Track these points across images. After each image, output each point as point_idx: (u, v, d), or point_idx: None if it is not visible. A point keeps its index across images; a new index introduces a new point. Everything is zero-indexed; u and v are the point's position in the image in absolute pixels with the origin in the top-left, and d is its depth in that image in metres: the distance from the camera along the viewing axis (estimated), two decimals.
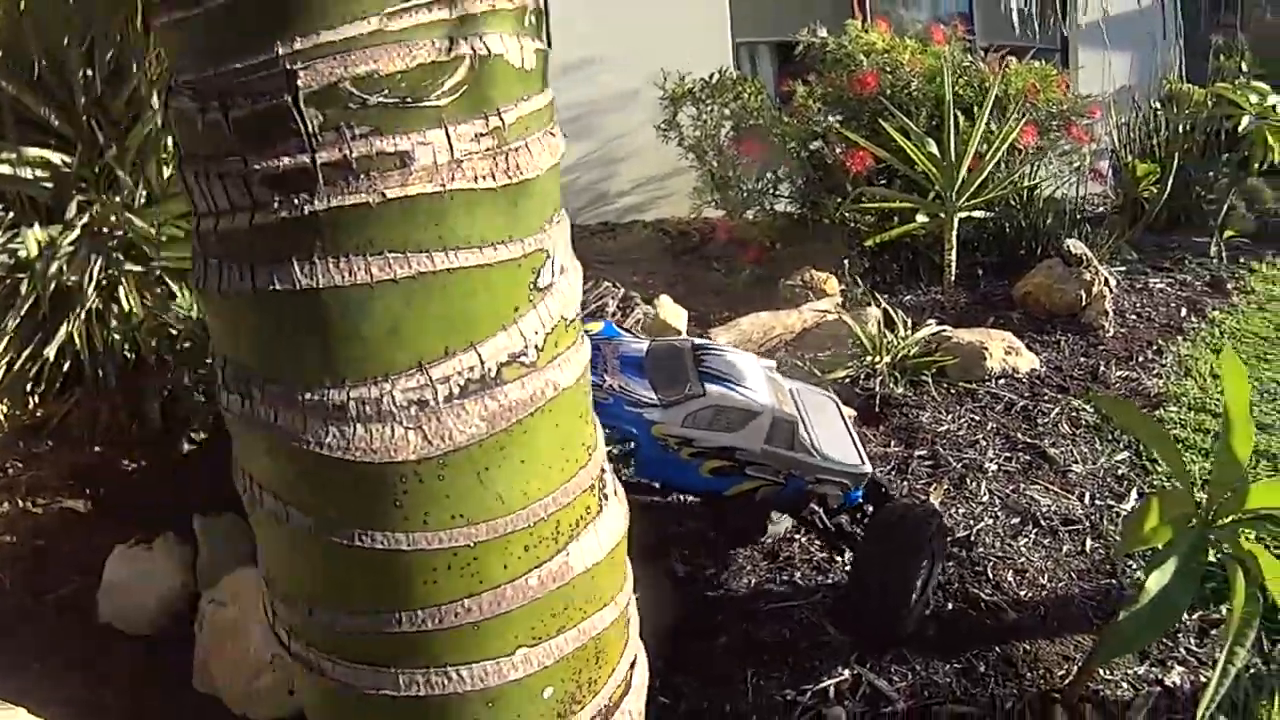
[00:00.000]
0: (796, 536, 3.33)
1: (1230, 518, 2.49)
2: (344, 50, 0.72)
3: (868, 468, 2.99)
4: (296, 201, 0.75)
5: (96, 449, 3.91)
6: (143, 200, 3.83)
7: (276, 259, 0.77)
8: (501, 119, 0.81)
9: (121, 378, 3.88)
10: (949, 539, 3.16)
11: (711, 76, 5.83)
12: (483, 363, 0.84)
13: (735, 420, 2.77)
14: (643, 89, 6.28)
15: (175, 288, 3.99)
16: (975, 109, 5.09)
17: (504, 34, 0.80)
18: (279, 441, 0.85)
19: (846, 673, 2.71)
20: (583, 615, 0.90)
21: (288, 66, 0.73)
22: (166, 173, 3.88)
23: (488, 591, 0.87)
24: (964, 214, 5.05)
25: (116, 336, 3.81)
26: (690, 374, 2.83)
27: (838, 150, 5.37)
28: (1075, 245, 5.01)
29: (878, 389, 4.30)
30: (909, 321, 4.64)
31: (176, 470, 3.66)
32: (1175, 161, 5.52)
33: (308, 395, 0.81)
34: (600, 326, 3.14)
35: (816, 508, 3.02)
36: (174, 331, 3.81)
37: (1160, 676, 2.77)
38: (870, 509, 3.06)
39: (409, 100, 0.74)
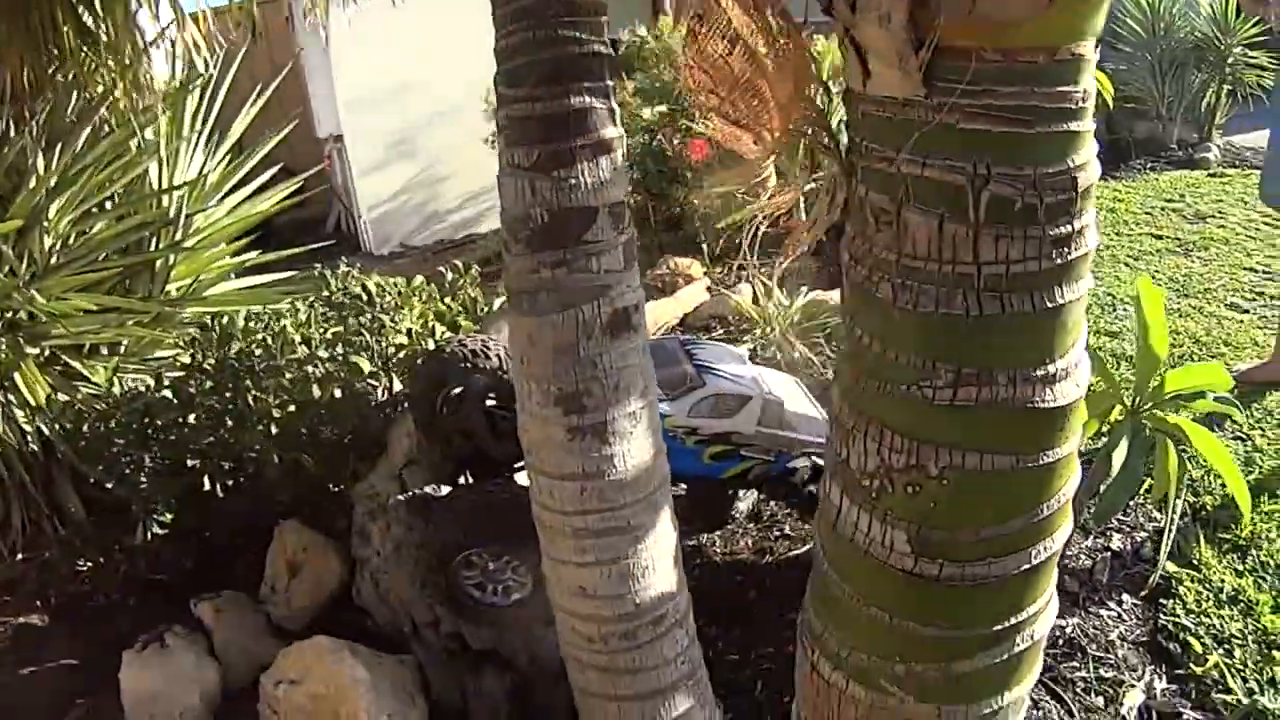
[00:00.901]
0: (764, 507, 3.60)
1: (1152, 403, 3.04)
2: (1086, 164, 1.15)
3: None
4: (1067, 252, 1.16)
5: (20, 556, 3.54)
6: (27, 275, 3.50)
7: (1047, 288, 1.17)
8: None
9: (29, 471, 3.54)
10: None
11: None
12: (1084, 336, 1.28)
13: (732, 406, 2.98)
14: (457, 107, 6.31)
15: (78, 366, 3.67)
16: None
17: None
18: (1007, 408, 1.20)
19: None
20: None
21: (1074, 175, 1.13)
22: (48, 242, 3.56)
23: (1071, 475, 1.30)
24: (809, 186, 5.49)
25: (27, 428, 3.47)
26: (687, 367, 3.02)
27: (675, 141, 5.68)
28: None
29: (779, 356, 4.64)
30: (781, 292, 5.01)
31: (132, 558, 3.39)
32: None
33: (1037, 371, 1.19)
34: None
35: (791, 480, 3.26)
36: (83, 412, 3.51)
37: (1106, 544, 3.29)
38: None
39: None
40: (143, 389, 3.46)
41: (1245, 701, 2.57)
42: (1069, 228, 1.14)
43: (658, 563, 2.21)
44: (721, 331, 4.96)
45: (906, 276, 1.19)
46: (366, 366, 3.05)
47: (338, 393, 3.18)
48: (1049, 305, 1.16)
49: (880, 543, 1.29)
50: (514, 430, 2.85)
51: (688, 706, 2.36)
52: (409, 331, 3.17)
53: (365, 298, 3.20)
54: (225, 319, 3.33)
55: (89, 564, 3.39)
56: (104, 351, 3.83)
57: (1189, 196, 6.32)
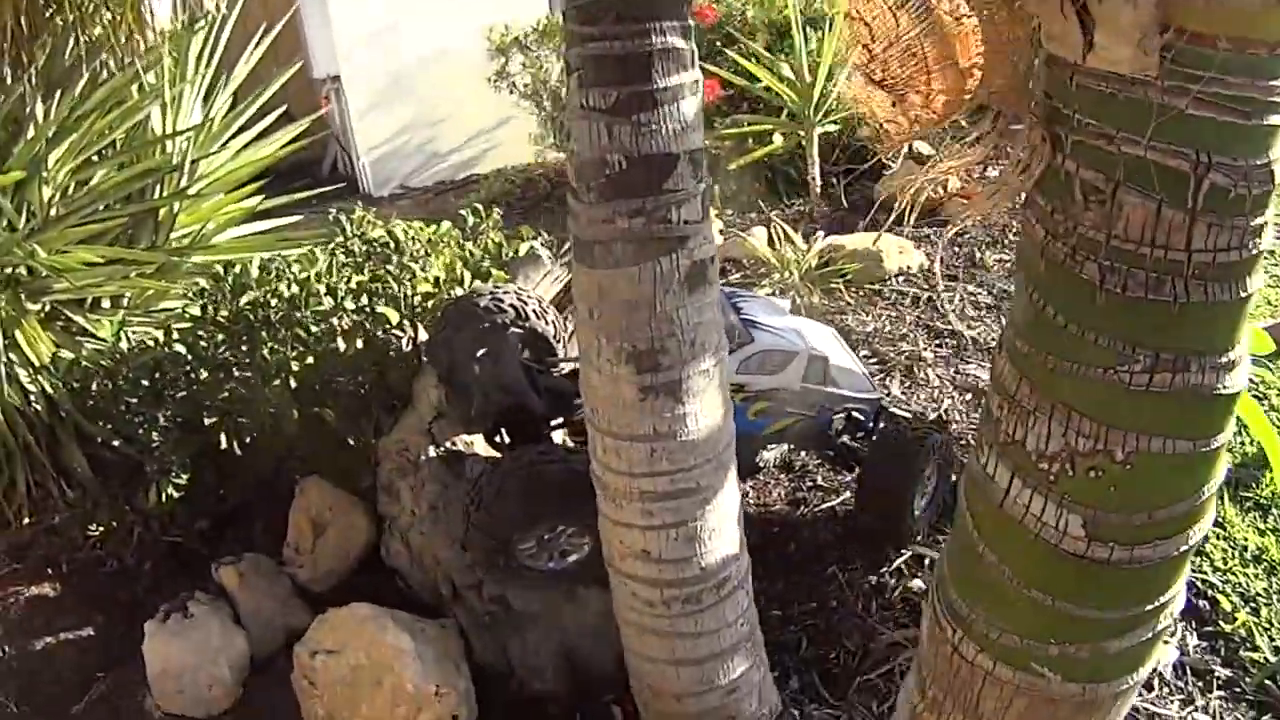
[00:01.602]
0: (794, 457, 3.52)
1: None
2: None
3: (879, 394, 3.19)
4: (1259, 243, 1.18)
5: (27, 520, 3.41)
6: (27, 230, 3.32)
7: (1240, 278, 1.19)
8: None
9: (33, 432, 3.39)
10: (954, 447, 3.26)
11: (539, 24, 5.79)
12: None
13: (779, 362, 2.86)
14: (458, 46, 6.13)
15: (81, 320, 3.51)
16: (807, 28, 5.38)
17: None
18: (1196, 394, 1.22)
19: (907, 553, 3.00)
20: None
21: (1272, 168, 1.13)
22: (47, 194, 3.37)
23: (1224, 460, 1.33)
24: (822, 128, 5.36)
25: (30, 388, 3.32)
26: (734, 321, 2.90)
27: None
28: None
29: (798, 301, 4.54)
30: (797, 236, 4.90)
31: (145, 520, 3.26)
32: None
33: (1222, 358, 1.21)
34: None
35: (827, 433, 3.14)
36: (89, 369, 3.36)
37: None
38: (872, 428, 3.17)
39: None
40: (150, 343, 3.32)
41: (1272, 660, 2.57)
42: (1262, 219, 1.16)
43: (723, 525, 2.14)
44: (738, 275, 4.84)
45: (1116, 259, 1.19)
46: (394, 317, 2.90)
47: (360, 344, 3.04)
48: (1241, 295, 1.19)
49: (1054, 526, 1.29)
50: (554, 386, 2.75)
51: (745, 668, 2.31)
52: (436, 280, 3.02)
53: (392, 244, 3.04)
54: (238, 268, 3.17)
55: (99, 528, 3.25)
56: (106, 305, 3.67)
57: None
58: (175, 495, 3.15)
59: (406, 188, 6.46)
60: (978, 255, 4.99)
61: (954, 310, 4.50)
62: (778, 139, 5.49)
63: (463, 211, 3.45)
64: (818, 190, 5.34)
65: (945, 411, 3.79)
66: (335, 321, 2.87)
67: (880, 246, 4.80)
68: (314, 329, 2.87)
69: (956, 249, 5.10)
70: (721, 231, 5.36)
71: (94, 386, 3.24)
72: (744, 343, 2.78)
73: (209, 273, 3.44)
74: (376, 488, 3.09)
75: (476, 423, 2.75)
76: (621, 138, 1.78)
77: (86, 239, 3.41)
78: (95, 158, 3.51)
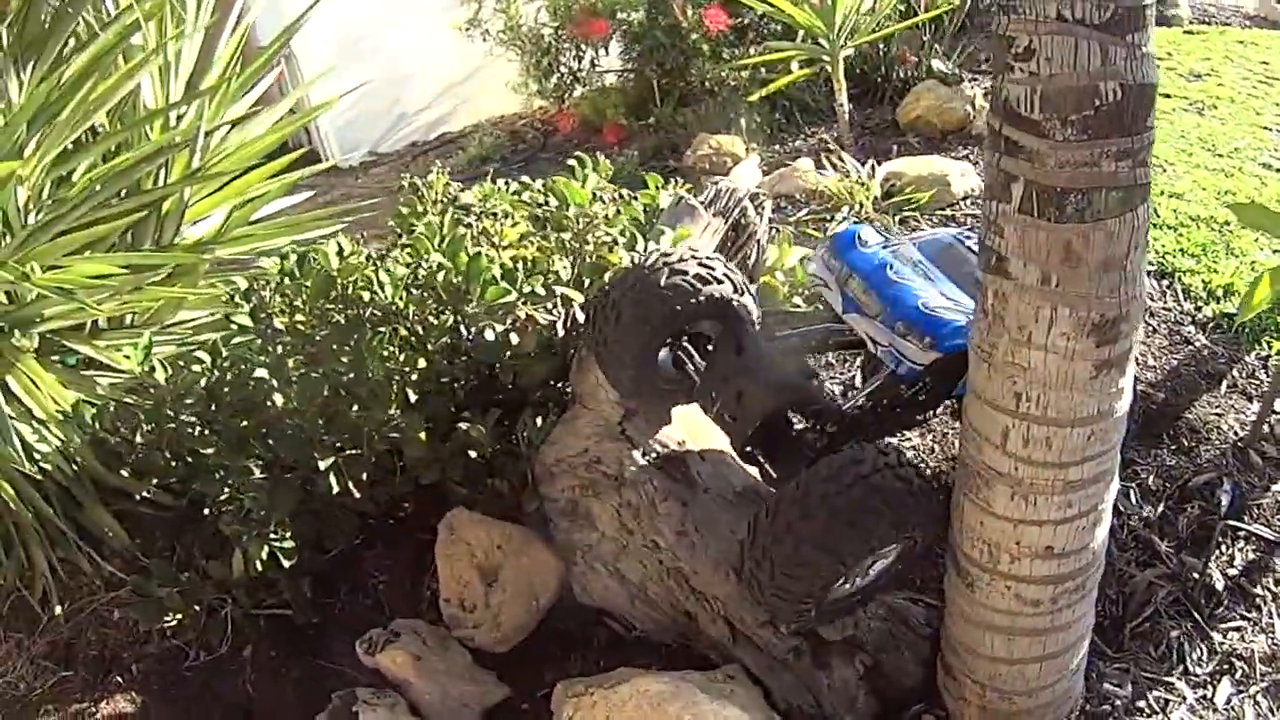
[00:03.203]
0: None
1: None
2: None
3: None
4: None
5: (59, 610, 2.63)
6: (11, 246, 2.50)
7: None
8: None
9: (47, 500, 2.60)
10: None
11: None
12: None
13: None
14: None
15: (90, 350, 2.70)
16: None
17: None
18: None
19: None
20: None
21: None
22: (23, 196, 2.54)
23: None
24: (847, 52, 4.86)
25: (41, 446, 2.53)
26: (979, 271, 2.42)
27: (687, 11, 4.93)
28: (942, 65, 5.09)
29: None
30: (864, 167, 4.43)
31: (231, 593, 2.53)
32: None
33: None
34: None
35: None
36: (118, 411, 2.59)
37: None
38: None
39: None
40: (196, 367, 2.57)
41: None
42: None
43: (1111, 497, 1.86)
44: (805, 212, 4.33)
45: None
46: (578, 298, 2.26)
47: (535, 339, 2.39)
48: None
49: None
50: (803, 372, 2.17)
51: (1086, 642, 2.05)
52: (610, 246, 2.38)
53: (562, 205, 2.36)
54: (312, 257, 2.48)
55: (176, 617, 2.49)
56: (101, 325, 2.87)
57: (1176, 54, 6.04)
58: (281, 560, 2.42)
59: (377, 154, 5.74)
60: None
61: None
62: (795, 67, 4.99)
63: (570, 161, 2.80)
64: (846, 118, 4.85)
65: None
66: (520, 313, 2.20)
67: (945, 172, 4.38)
68: (499, 328, 2.19)
69: None
70: (761, 166, 4.84)
71: (137, 437, 2.48)
72: None
73: (247, 270, 2.71)
74: (547, 513, 2.47)
75: (736, 433, 2.13)
76: (1117, 61, 1.45)
77: (81, 247, 2.60)
78: (70, 145, 2.66)
